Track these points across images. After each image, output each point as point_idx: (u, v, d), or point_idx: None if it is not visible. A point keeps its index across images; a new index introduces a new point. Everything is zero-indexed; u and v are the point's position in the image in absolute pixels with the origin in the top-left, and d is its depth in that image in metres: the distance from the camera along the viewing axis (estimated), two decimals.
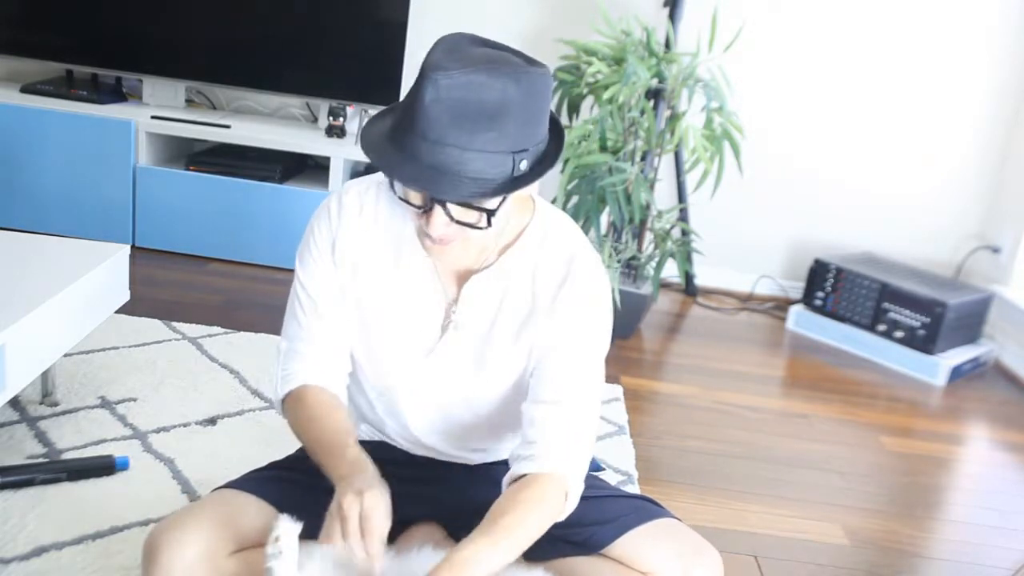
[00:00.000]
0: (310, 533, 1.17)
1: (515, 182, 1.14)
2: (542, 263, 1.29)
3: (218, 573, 1.21)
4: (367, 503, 1.12)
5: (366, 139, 1.17)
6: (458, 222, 1.15)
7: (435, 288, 1.30)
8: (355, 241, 1.31)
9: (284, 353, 1.35)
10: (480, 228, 1.17)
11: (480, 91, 1.08)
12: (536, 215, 1.31)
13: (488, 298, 1.30)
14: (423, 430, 1.38)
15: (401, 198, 1.18)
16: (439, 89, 1.07)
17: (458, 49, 1.14)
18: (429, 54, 1.12)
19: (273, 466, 1.41)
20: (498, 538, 1.15)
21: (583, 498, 1.33)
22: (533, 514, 1.20)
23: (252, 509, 1.28)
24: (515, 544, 1.17)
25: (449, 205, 1.14)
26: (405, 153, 1.11)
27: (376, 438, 1.47)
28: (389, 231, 1.31)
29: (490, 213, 1.15)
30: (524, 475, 1.24)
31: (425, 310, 1.31)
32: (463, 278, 1.30)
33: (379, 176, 1.33)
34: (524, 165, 1.14)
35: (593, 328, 1.30)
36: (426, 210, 1.16)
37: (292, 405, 1.32)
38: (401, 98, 3.48)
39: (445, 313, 1.31)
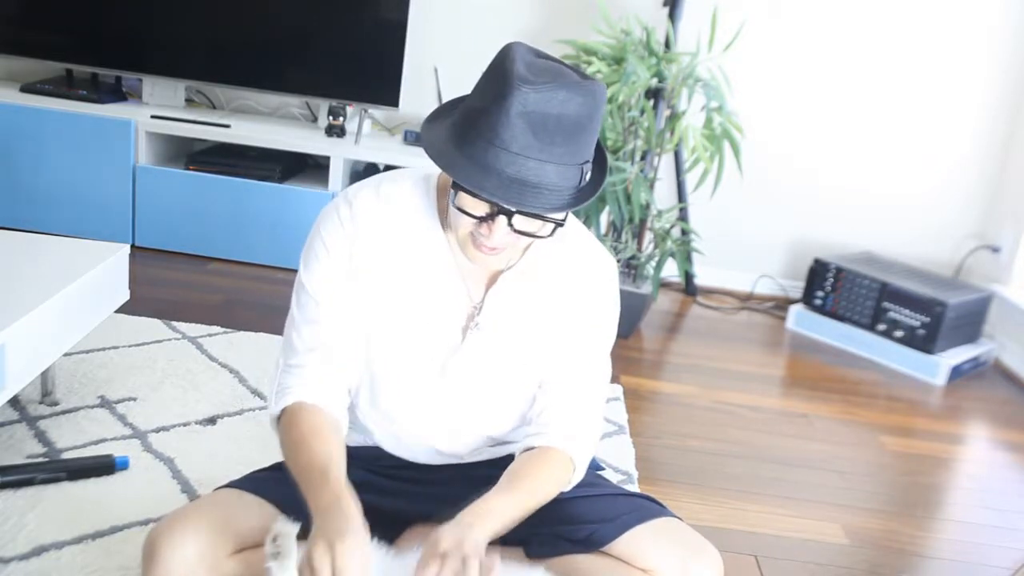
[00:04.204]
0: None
1: (581, 193, 1.17)
2: (560, 260, 1.33)
3: (218, 572, 1.20)
4: (339, 559, 1.05)
5: (433, 147, 1.17)
6: (517, 231, 1.17)
7: (459, 291, 1.31)
8: (373, 248, 1.28)
9: (282, 368, 1.30)
10: (540, 237, 1.20)
11: (563, 106, 1.10)
12: None
13: (514, 298, 1.32)
14: (437, 433, 1.38)
15: (457, 207, 1.18)
16: (527, 103, 1.09)
17: (532, 61, 1.15)
18: (504, 65, 1.13)
19: (276, 467, 1.40)
20: (515, 494, 1.22)
21: (585, 496, 1.34)
22: (543, 476, 1.27)
23: (254, 509, 1.27)
24: (529, 501, 1.23)
25: (516, 216, 1.15)
26: (484, 165, 1.12)
27: (370, 443, 1.46)
28: (408, 235, 1.30)
29: (557, 223, 1.18)
30: (534, 448, 1.31)
31: (447, 314, 1.31)
32: (491, 280, 1.32)
33: (384, 177, 1.33)
34: (588, 176, 1.18)
35: (608, 320, 1.38)
36: (486, 220, 1.17)
37: (286, 424, 1.26)
38: (401, 96, 3.47)
39: (468, 315, 1.32)
